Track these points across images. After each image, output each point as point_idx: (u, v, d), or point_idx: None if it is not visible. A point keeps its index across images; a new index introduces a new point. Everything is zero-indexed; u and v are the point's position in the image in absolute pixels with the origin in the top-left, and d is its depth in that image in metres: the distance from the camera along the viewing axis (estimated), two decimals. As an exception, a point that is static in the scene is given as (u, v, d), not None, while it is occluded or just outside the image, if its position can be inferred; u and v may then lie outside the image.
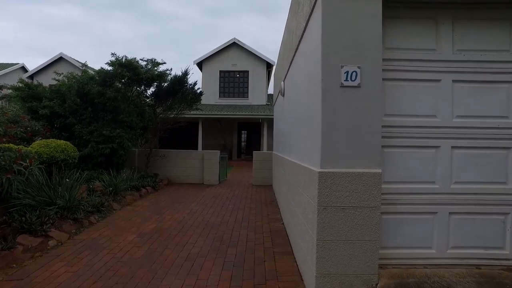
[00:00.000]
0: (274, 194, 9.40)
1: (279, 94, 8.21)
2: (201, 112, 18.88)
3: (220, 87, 21.30)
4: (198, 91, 11.15)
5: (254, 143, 23.57)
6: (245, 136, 25.33)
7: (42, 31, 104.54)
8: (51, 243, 4.56)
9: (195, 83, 11.04)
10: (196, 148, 19.59)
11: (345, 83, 2.82)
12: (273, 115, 19.76)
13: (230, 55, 21.22)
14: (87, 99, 9.74)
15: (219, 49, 21.09)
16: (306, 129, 3.59)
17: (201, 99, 11.52)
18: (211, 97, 21.00)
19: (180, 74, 10.50)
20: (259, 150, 21.54)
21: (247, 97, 21.25)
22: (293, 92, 5.19)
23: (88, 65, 11.68)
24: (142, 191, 8.83)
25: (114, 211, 6.77)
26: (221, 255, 4.34)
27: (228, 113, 19.14)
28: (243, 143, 25.57)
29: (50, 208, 5.32)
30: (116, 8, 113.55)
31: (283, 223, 6.01)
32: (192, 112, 19.28)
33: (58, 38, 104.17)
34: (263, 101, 21.18)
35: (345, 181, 2.77)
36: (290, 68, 5.54)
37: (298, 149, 4.18)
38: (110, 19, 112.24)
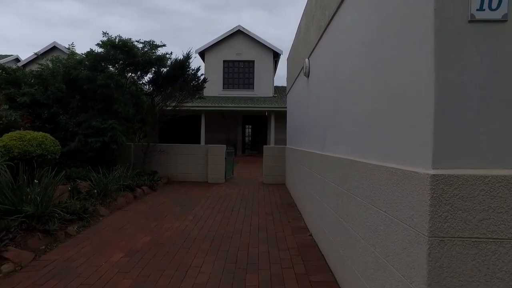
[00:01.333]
0: (290, 194, 8.17)
1: (298, 76, 6.95)
2: (203, 104, 17.67)
3: (224, 78, 20.01)
4: (201, 77, 9.87)
5: (260, 138, 22.31)
6: (250, 130, 24.09)
7: (42, 27, 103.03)
8: (5, 268, 3.35)
9: (198, 69, 9.77)
10: (198, 143, 18.36)
11: (479, 15, 1.56)
12: (283, 107, 18.63)
13: (234, 44, 19.91)
14: (74, 85, 8.50)
15: (222, 37, 19.78)
16: (380, 107, 2.32)
17: (204, 87, 10.26)
18: (214, 88, 19.73)
19: (182, 57, 9.23)
20: (266, 145, 20.30)
21: (253, 89, 19.96)
22: (329, 65, 3.92)
23: (77, 50, 10.40)
24: (137, 191, 7.61)
25: (101, 218, 5.55)
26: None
27: (233, 105, 17.88)
28: (247, 138, 24.34)
29: (13, 217, 4.11)
30: (117, 4, 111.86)
31: (311, 235, 4.78)
32: (194, 104, 18.05)
33: (58, 34, 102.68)
34: (270, 92, 19.89)
35: (483, 191, 1.52)
36: (323, 36, 4.27)
37: (353, 140, 2.92)
38: (111, 14, 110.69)
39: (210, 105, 17.88)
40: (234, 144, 20.33)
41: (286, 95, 9.78)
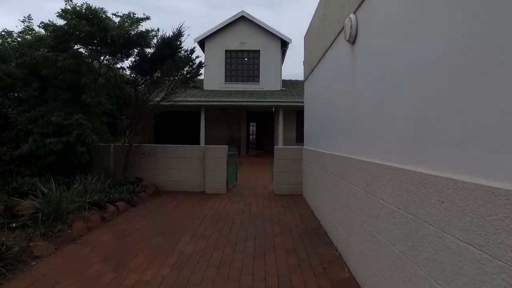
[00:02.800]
0: (311, 211, 6.18)
1: (328, 51, 4.95)
2: (203, 99, 15.72)
3: (226, 69, 18.02)
4: (196, 60, 7.87)
5: (266, 137, 20.34)
6: (255, 128, 22.12)
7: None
8: None
9: (192, 50, 7.77)
10: (198, 143, 16.41)
11: None
12: (293, 102, 16.76)
13: (238, 32, 17.90)
14: (32, 70, 6.58)
15: (224, 24, 17.77)
16: None
17: (201, 74, 8.24)
18: (215, 81, 17.76)
19: (171, 34, 7.24)
20: (273, 145, 18.33)
21: (258, 82, 17.95)
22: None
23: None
24: (108, 210, 5.66)
25: (34, 262, 3.59)
26: None
27: (236, 99, 15.89)
28: (252, 136, 22.37)
29: None
30: (116, 1, 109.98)
31: (370, 305, 2.79)
32: (192, 99, 16.13)
33: None
34: (277, 86, 17.87)
35: None
36: None
37: None
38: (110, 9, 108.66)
39: (210, 99, 15.90)
40: (238, 143, 18.36)
41: (304, 82, 7.79)
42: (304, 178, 7.52)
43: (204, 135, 16.35)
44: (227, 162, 8.10)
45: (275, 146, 8.13)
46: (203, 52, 18.17)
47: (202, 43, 18.11)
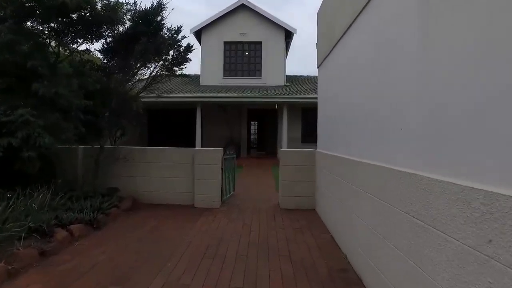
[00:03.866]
0: (332, 237, 4.64)
1: (356, 22, 3.41)
2: (199, 95, 14.21)
3: (225, 63, 16.49)
4: (184, 42, 6.34)
5: (269, 136, 18.80)
6: (257, 127, 20.61)
7: None
8: None
9: (178, 29, 6.24)
10: (193, 144, 14.90)
11: None
12: (298, 98, 14.93)
13: (237, 22, 16.36)
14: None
15: (223, 13, 16.23)
16: None
17: (189, 59, 6.69)
18: (213, 76, 16.24)
19: (148, 8, 5.70)
20: (275, 145, 16.81)
21: (260, 76, 16.42)
22: None
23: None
24: (54, 237, 4.14)
25: None
26: None
27: (236, 95, 14.35)
28: (253, 136, 20.85)
29: None
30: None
31: None
32: (186, 95, 14.62)
33: None
34: (281, 81, 16.33)
35: None
36: None
37: None
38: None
39: (207, 95, 14.38)
40: (238, 143, 16.84)
41: (318, 68, 6.24)
42: (318, 190, 5.98)
43: (200, 135, 14.83)
44: (221, 168, 6.58)
45: (280, 149, 6.59)
46: (200, 44, 16.64)
47: (198, 34, 16.58)
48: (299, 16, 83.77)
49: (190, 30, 16.20)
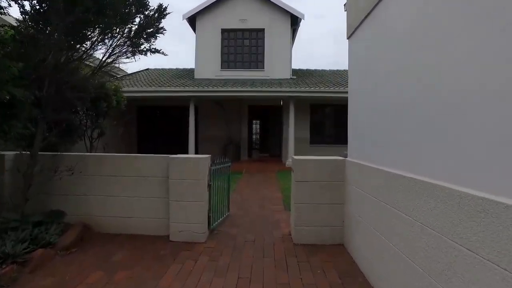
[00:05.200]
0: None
1: None
2: (192, 89, 12.25)
3: (222, 53, 14.51)
4: (153, 3, 4.36)
5: (273, 136, 16.87)
6: (259, 126, 18.71)
7: None
8: None
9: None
10: (186, 145, 12.95)
11: None
12: (307, 92, 12.30)
13: (237, 6, 14.39)
14: None
15: (220, -3, 14.28)
16: None
17: (162, 29, 4.65)
18: (209, 68, 14.29)
19: None
20: (280, 146, 14.85)
21: (262, 68, 14.44)
22: None
23: None
24: None
25: None
26: None
27: (234, 88, 12.38)
28: (255, 136, 18.94)
29: None
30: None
31: None
32: (177, 89, 12.67)
33: None
34: (286, 73, 14.34)
35: None
36: None
37: None
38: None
39: (201, 89, 12.42)
40: (238, 144, 14.92)
41: (348, 39, 4.25)
42: (351, 218, 4.01)
43: (194, 135, 12.87)
44: (209, 185, 4.62)
45: (293, 157, 4.59)
46: (194, 32, 14.69)
47: (192, 21, 14.63)
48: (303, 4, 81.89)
49: (183, 16, 14.25)
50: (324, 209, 4.31)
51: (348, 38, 4.28)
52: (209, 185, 4.63)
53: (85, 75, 4.79)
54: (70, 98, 4.43)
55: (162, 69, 17.96)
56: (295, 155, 12.71)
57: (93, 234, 4.59)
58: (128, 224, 4.66)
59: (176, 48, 75.97)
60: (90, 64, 6.32)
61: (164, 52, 4.71)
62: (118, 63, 4.95)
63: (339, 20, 78.48)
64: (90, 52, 4.61)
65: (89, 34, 4.34)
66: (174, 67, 18.40)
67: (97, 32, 4.41)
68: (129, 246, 4.26)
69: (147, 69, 18.05)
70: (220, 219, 5.23)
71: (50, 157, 4.61)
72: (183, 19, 14.26)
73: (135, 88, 12.42)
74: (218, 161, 5.08)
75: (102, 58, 4.55)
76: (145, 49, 4.56)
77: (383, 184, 2.94)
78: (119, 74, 19.13)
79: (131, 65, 70.04)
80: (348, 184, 4.12)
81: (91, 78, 4.83)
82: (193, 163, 4.39)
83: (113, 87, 10.61)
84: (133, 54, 4.67)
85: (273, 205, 6.62)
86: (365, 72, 3.69)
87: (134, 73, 16.93)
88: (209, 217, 4.63)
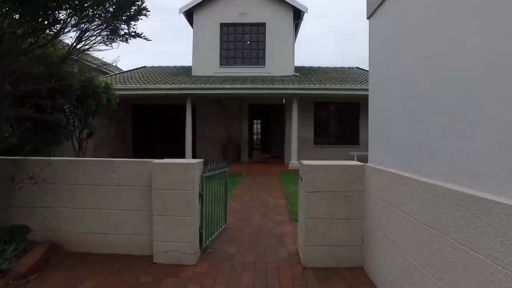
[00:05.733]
0: None
1: None
2: (189, 86, 11.52)
3: (221, 49, 13.76)
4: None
5: (275, 136, 16.13)
6: (260, 125, 17.99)
7: None
8: None
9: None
10: (183, 146, 12.21)
11: None
12: (310, 89, 11.46)
13: (236, 0, 13.64)
14: None
15: (219, -11, 13.52)
16: None
17: (144, 9, 3.93)
18: (207, 65, 13.55)
19: None
20: (282, 147, 14.12)
21: (263, 65, 13.69)
22: None
23: None
24: None
25: None
26: None
27: (234, 86, 11.64)
28: (256, 136, 18.21)
29: None
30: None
31: None
32: (174, 86, 11.92)
33: None
34: (289, 70, 13.58)
35: None
36: None
37: None
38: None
39: (199, 86, 11.68)
40: (238, 145, 14.19)
41: (369, 18, 3.50)
42: (374, 237, 3.24)
43: (191, 135, 12.12)
44: (201, 195, 3.86)
45: (302, 162, 3.82)
46: (191, 26, 13.94)
47: (190, 15, 13.88)
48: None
49: (180, 10, 13.50)
50: (339, 225, 3.55)
51: (369, 17, 3.52)
52: (201, 195, 3.87)
53: (50, 61, 4.03)
54: (32, 91, 3.67)
55: (159, 67, 17.23)
56: (298, 156, 12.00)
57: (62, 254, 3.84)
58: (105, 241, 3.91)
59: (182, 49, 75.17)
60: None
61: (147, 37, 3.96)
62: (97, 50, 4.20)
63: (339, 20, 77.67)
64: (62, 37, 3.86)
65: (55, 16, 3.59)
66: (172, 65, 17.67)
67: (67, 13, 3.67)
68: (104, 270, 3.51)
69: (144, 67, 17.34)
70: (215, 233, 4.48)
71: (10, 163, 3.86)
72: (179, 13, 13.52)
73: (127, 86, 11.68)
74: (212, 166, 4.33)
75: (73, 43, 3.80)
76: (124, 34, 3.80)
77: (435, 206, 2.18)
78: (113, 72, 18.46)
79: (128, 63, 69.28)
80: (370, 196, 3.36)
81: (58, 66, 4.08)
82: (181, 170, 3.63)
83: (102, 84, 9.90)
84: (112, 40, 3.91)
85: (277, 214, 5.86)
86: (397, 54, 2.92)
87: (129, 70, 16.22)
88: (200, 234, 3.88)
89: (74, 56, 4.17)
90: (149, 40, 4.10)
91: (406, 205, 2.53)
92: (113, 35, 3.79)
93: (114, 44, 3.85)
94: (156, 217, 3.68)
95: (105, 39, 3.84)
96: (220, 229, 4.74)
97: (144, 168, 3.80)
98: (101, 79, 9.93)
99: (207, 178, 4.11)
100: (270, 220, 5.50)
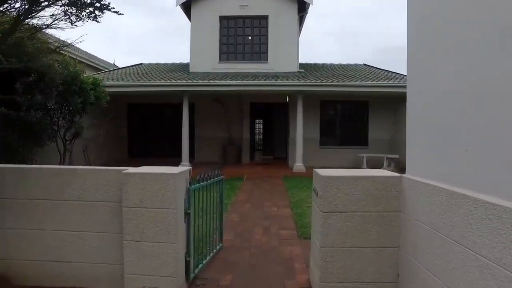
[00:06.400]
0: None
1: None
2: (185, 82, 10.71)
3: (221, 44, 12.92)
4: None
5: (278, 136, 15.30)
6: (262, 125, 17.15)
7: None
8: None
9: None
10: (179, 149, 11.39)
11: None
12: (317, 85, 10.48)
13: (237, -9, 12.80)
14: None
15: (218, -20, 12.67)
16: None
17: None
18: (206, 60, 12.71)
19: None
20: (286, 148, 13.29)
21: (266, 60, 12.83)
22: None
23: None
24: None
25: None
26: None
27: (234, 82, 10.79)
28: (258, 137, 17.35)
29: None
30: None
31: None
32: (169, 82, 11.10)
33: (68, 34, 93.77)
34: (293, 66, 12.72)
35: None
36: None
37: None
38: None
39: (196, 83, 10.84)
40: (239, 146, 13.36)
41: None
42: (416, 273, 2.38)
43: (188, 136, 11.29)
44: (187, 214, 3.02)
45: (317, 171, 2.98)
46: (189, 19, 13.10)
47: (187, 7, 13.03)
48: None
49: (177, 2, 12.67)
50: (367, 255, 2.69)
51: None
52: (187, 214, 3.03)
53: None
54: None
55: (157, 64, 16.42)
56: (303, 158, 11.16)
57: (11, 289, 3.02)
58: (66, 272, 3.08)
59: (183, 47, 74.35)
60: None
61: (118, 11, 3.12)
62: (57, 28, 3.36)
63: (340, 20, 76.68)
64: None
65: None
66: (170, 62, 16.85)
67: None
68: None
69: (141, 64, 16.52)
70: (208, 257, 3.63)
71: None
72: (176, 5, 12.69)
73: (119, 82, 10.87)
74: (204, 175, 3.48)
75: (18, 16, 2.96)
76: (84, 2, 2.95)
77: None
78: (107, 68, 17.67)
79: (124, 60, 68.46)
80: (410, 218, 2.50)
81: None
82: (159, 182, 2.78)
83: (90, 79, 9.08)
84: (76, 16, 3.07)
85: (282, 229, 5.01)
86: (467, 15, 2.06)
87: (124, 67, 15.41)
88: (187, 263, 3.04)
89: (24, 33, 3.33)
90: (120, 14, 3.27)
91: (473, 238, 1.69)
92: (73, 7, 2.95)
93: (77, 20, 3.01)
94: (128, 244, 2.84)
95: (66, 15, 3.01)
96: (215, 250, 3.90)
97: (114, 178, 2.95)
98: (89, 75, 9.10)
99: (196, 191, 3.27)
100: (275, 237, 4.65)
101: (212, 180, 3.72)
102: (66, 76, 7.65)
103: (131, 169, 2.87)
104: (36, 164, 7.72)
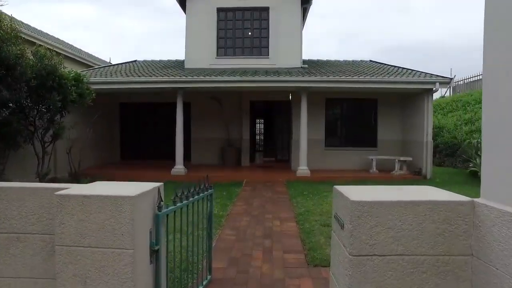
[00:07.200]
0: None
1: None
2: (179, 79, 9.82)
3: (218, 38, 12.00)
4: None
5: (280, 137, 14.40)
6: (263, 125, 16.30)
7: (59, 30, 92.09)
8: None
9: None
10: (173, 151, 10.49)
11: None
12: (324, 81, 9.43)
13: (235, -19, 11.89)
14: None
15: (215, -32, 11.76)
16: None
17: None
18: (202, 56, 11.81)
19: None
20: (288, 149, 12.39)
21: (267, 55, 11.90)
22: None
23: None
24: None
25: None
26: None
27: (232, 78, 9.87)
28: (258, 137, 16.51)
29: None
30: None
31: None
32: (162, 78, 10.17)
33: (71, 36, 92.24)
34: (296, 61, 11.80)
35: None
36: None
37: None
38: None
39: (191, 79, 9.93)
40: (238, 147, 12.47)
41: None
42: None
43: (182, 137, 10.37)
44: (154, 251, 2.11)
45: (339, 190, 2.11)
46: (184, 12, 12.19)
47: (183, 0, 12.14)
48: None
49: (171, -8, 11.77)
50: (420, 320, 1.77)
51: None
52: (154, 252, 2.12)
53: None
54: None
55: (152, 61, 15.53)
56: (307, 160, 10.25)
57: None
58: (-16, 333, 2.17)
59: (181, 44, 73.48)
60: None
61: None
62: None
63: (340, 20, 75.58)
64: None
65: None
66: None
67: None
68: None
69: (135, 61, 15.65)
70: (189, 301, 2.72)
71: None
72: (170, -4, 11.79)
73: (107, 79, 9.97)
74: (184, 192, 2.58)
75: None
76: None
77: None
78: (99, 64, 16.79)
79: (119, 57, 67.55)
80: (488, 267, 1.59)
81: None
82: (109, 210, 1.87)
83: (72, 74, 8.19)
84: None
85: (287, 251, 4.10)
86: None
87: (117, 64, 14.54)
88: (154, 321, 2.13)
89: None
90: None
91: None
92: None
93: None
94: (65, 298, 1.93)
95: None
96: (201, 287, 3.00)
97: (45, 201, 2.05)
98: (71, 70, 8.20)
99: (171, 215, 2.36)
100: (278, 263, 3.73)
101: (196, 197, 2.81)
102: (40, 70, 6.75)
103: (64, 191, 1.96)
104: (5, 170, 6.85)
